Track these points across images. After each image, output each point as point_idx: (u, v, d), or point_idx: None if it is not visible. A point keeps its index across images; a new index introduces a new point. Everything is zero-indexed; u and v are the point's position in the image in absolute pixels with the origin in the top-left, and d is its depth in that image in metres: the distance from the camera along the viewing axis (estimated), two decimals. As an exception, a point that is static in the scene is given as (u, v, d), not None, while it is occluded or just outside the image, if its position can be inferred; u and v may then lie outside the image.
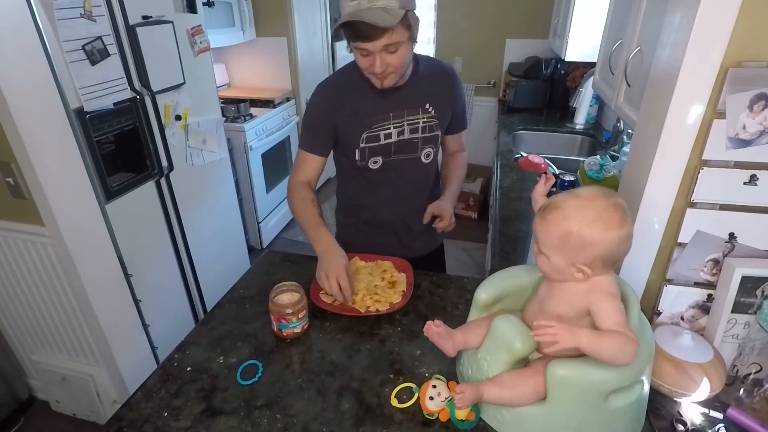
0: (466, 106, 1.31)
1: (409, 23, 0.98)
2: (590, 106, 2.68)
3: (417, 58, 1.17)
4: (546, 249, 0.71)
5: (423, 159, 1.23)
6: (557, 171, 1.86)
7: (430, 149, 1.23)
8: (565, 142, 2.68)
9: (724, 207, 0.84)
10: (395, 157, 1.19)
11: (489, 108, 3.48)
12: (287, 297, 0.96)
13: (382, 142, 1.16)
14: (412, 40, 1.03)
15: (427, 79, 1.17)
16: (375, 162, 1.20)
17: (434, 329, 0.81)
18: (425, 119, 1.18)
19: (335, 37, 1.14)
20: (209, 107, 2.04)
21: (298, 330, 0.95)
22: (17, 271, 1.56)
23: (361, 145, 1.16)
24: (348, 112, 1.14)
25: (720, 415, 0.77)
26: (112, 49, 1.48)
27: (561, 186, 1.65)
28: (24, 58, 1.24)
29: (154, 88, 1.67)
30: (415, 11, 1.01)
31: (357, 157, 1.18)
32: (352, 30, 0.96)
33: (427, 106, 1.17)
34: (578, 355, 0.68)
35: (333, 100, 1.16)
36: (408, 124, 1.17)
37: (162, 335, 1.82)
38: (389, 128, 1.16)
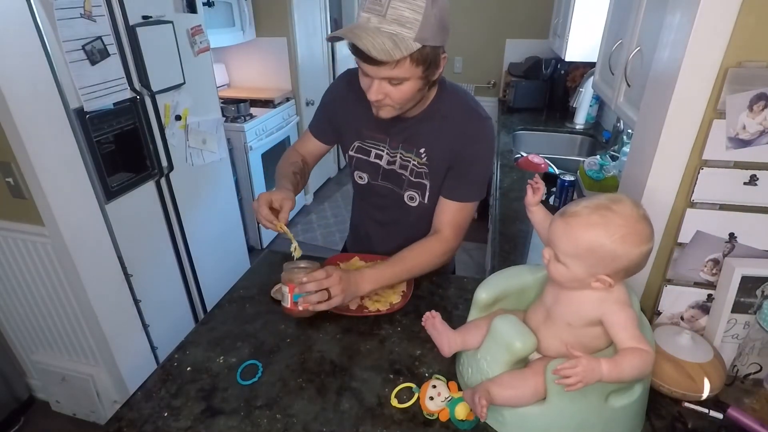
0: (483, 175, 1.03)
1: (424, 60, 0.82)
2: (590, 106, 2.69)
3: (448, 91, 1.00)
4: (566, 258, 0.67)
5: (407, 201, 1.10)
6: (557, 171, 1.86)
7: (416, 194, 1.08)
8: (565, 142, 2.68)
9: (724, 207, 0.84)
10: (382, 182, 1.11)
11: (489, 108, 3.48)
12: (300, 269, 0.94)
13: (371, 159, 1.09)
14: (427, 79, 0.87)
15: (438, 121, 0.99)
16: (361, 177, 1.13)
17: (431, 321, 0.82)
18: (416, 163, 1.04)
19: (333, 39, 0.87)
20: (209, 107, 2.04)
21: (314, 301, 0.89)
22: (17, 271, 1.56)
23: (350, 152, 1.11)
24: (351, 112, 1.07)
25: (720, 415, 0.77)
26: (112, 49, 1.48)
27: (561, 186, 1.65)
28: (24, 58, 1.24)
29: (154, 88, 1.67)
30: (443, 49, 0.85)
31: (346, 161, 1.15)
32: (352, 44, 0.80)
33: (421, 150, 1.02)
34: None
35: (345, 91, 1.07)
36: (401, 158, 1.05)
37: (162, 335, 1.82)
38: (383, 151, 1.07)
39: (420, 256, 1.02)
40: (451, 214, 1.05)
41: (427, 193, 1.07)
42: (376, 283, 0.96)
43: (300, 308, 0.91)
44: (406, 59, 0.79)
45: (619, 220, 0.64)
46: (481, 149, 1.00)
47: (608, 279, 0.66)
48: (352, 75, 1.06)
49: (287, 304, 0.92)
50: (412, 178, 1.06)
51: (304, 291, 0.89)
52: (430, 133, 1.00)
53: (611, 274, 0.66)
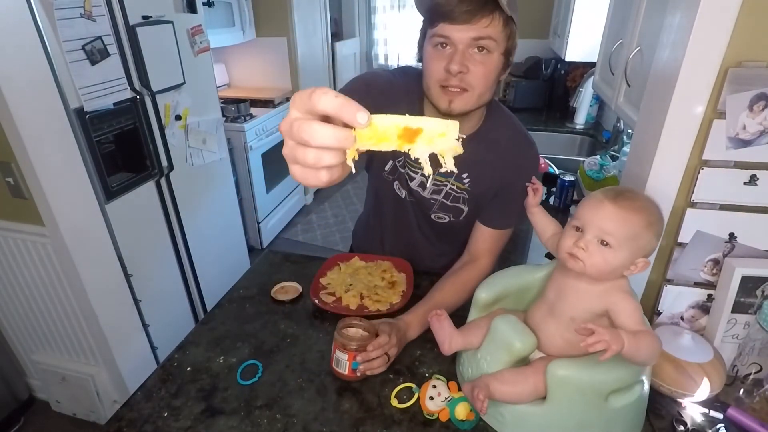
0: (521, 205, 0.95)
1: (510, 34, 0.80)
2: (590, 106, 2.68)
3: (498, 112, 0.96)
4: (618, 241, 0.66)
5: (434, 218, 1.05)
6: (557, 171, 1.86)
7: (447, 216, 1.03)
8: (565, 142, 2.68)
9: (724, 207, 0.84)
10: (408, 199, 1.05)
11: (489, 108, 3.47)
12: (354, 331, 0.87)
13: (403, 175, 1.01)
14: (507, 57, 0.82)
15: (487, 144, 0.93)
16: (400, 190, 1.04)
17: (437, 317, 0.82)
18: (454, 187, 0.98)
19: (430, 17, 0.80)
20: (209, 107, 2.04)
21: (376, 366, 0.84)
22: (17, 271, 1.56)
23: (396, 163, 1.00)
24: None
25: (720, 415, 0.77)
26: (112, 49, 1.48)
27: (561, 186, 1.65)
28: (24, 58, 1.24)
29: (154, 88, 1.67)
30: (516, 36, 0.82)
31: (386, 168, 1.02)
32: (444, 5, 0.74)
33: (464, 175, 0.96)
34: (579, 354, 0.68)
35: (401, 93, 0.91)
36: (433, 184, 0.99)
37: (162, 335, 1.82)
38: (416, 173, 0.98)
39: (461, 293, 0.98)
40: (492, 242, 1.02)
41: (464, 216, 1.02)
42: (422, 328, 0.93)
43: (358, 374, 0.84)
44: (501, 16, 0.77)
45: (654, 203, 0.70)
46: (529, 179, 0.95)
47: (646, 260, 0.69)
48: (410, 76, 0.93)
49: (344, 370, 0.83)
50: (447, 202, 1.00)
51: (367, 359, 0.82)
52: (478, 159, 0.93)
53: (647, 257, 0.69)
